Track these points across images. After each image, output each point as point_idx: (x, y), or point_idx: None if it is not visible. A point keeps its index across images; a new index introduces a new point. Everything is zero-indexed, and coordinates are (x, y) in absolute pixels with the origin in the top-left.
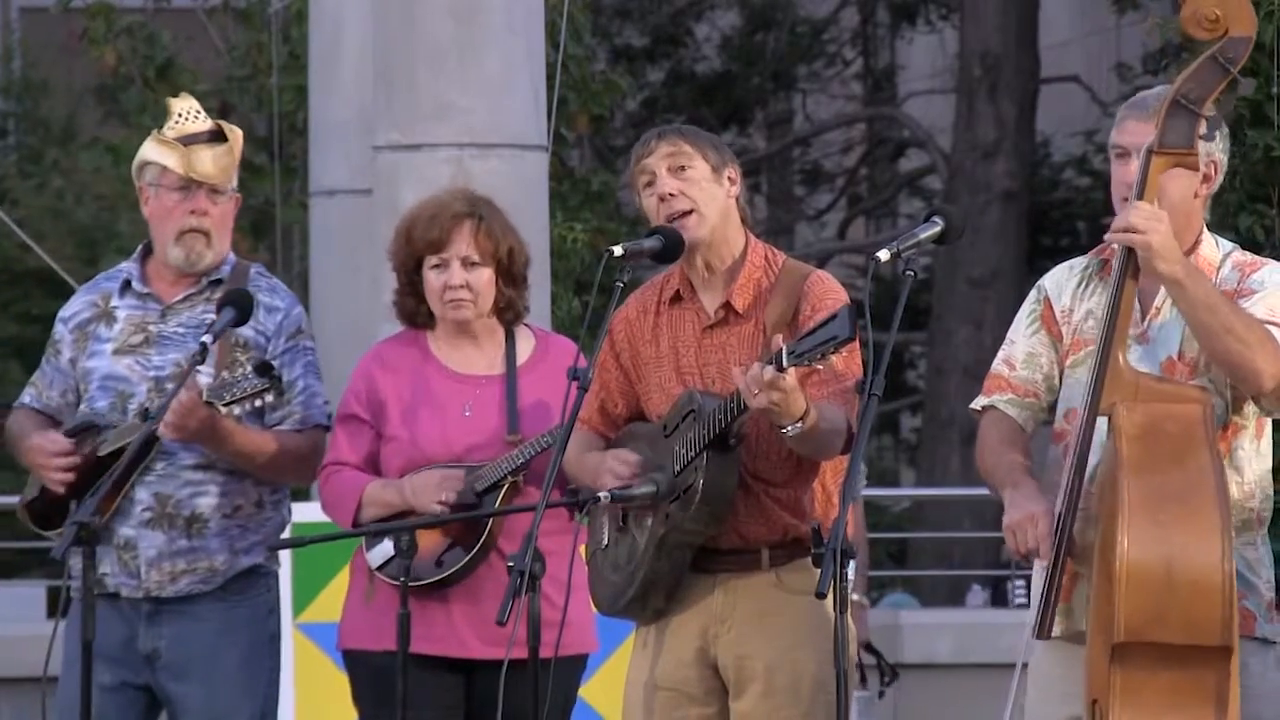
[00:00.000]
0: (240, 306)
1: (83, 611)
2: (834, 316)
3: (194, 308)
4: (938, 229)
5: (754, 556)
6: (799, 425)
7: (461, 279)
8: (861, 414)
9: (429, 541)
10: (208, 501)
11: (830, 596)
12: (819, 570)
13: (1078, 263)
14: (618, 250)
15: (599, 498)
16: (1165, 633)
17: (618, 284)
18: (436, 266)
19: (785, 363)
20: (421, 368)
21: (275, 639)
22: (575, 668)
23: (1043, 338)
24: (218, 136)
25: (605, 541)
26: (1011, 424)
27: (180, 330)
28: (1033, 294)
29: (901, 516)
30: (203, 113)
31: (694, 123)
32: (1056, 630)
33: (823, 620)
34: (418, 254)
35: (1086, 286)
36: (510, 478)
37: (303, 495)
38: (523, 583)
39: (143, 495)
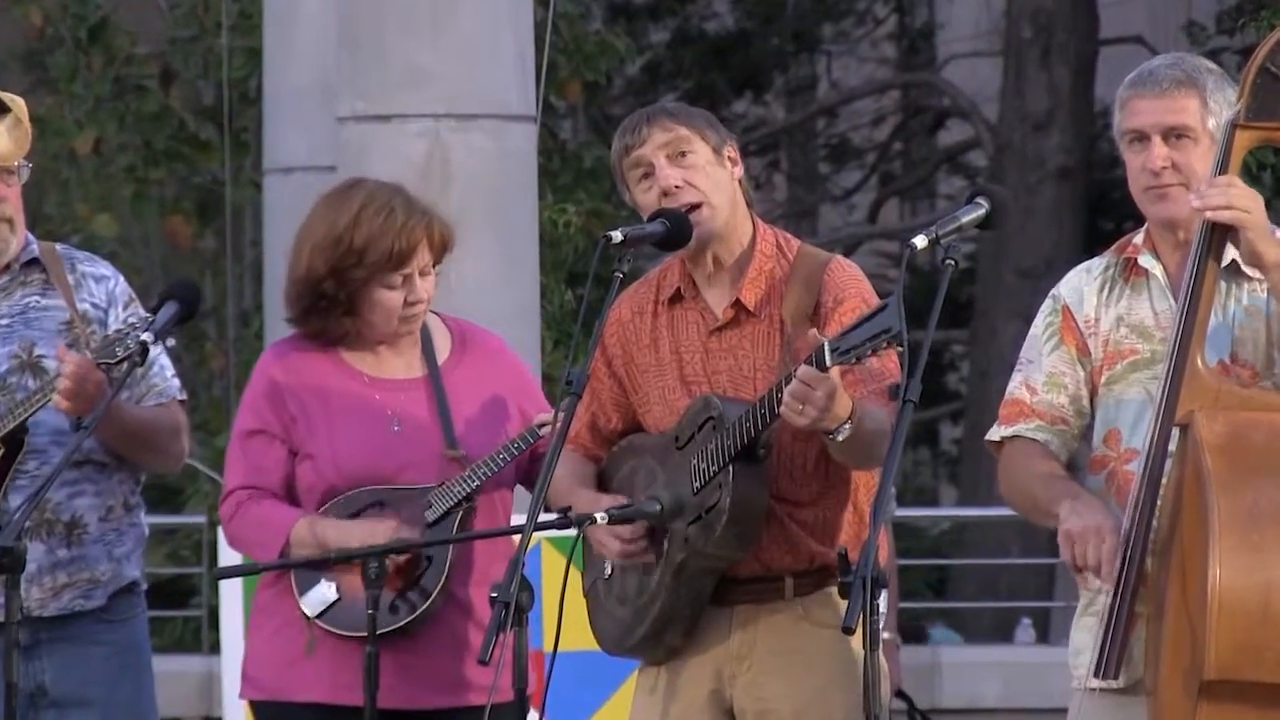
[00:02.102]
0: (186, 300)
1: (4, 648)
2: (883, 307)
3: (10, 294)
4: (982, 211)
5: (776, 586)
6: (847, 427)
7: (427, 292)
8: (895, 423)
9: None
10: (85, 502)
11: (859, 631)
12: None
13: (1095, 264)
14: (616, 236)
15: (594, 518)
16: (1262, 670)
17: (617, 275)
18: (399, 285)
19: (829, 361)
20: (331, 372)
21: (151, 663)
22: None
23: (1065, 354)
24: None
25: (609, 571)
26: (1042, 447)
27: (4, 321)
28: (1047, 304)
29: (941, 540)
30: None
31: (704, 90)
32: (1121, 681)
33: (855, 659)
34: (371, 272)
35: (1111, 291)
36: (465, 504)
37: None
38: (508, 616)
39: (16, 502)
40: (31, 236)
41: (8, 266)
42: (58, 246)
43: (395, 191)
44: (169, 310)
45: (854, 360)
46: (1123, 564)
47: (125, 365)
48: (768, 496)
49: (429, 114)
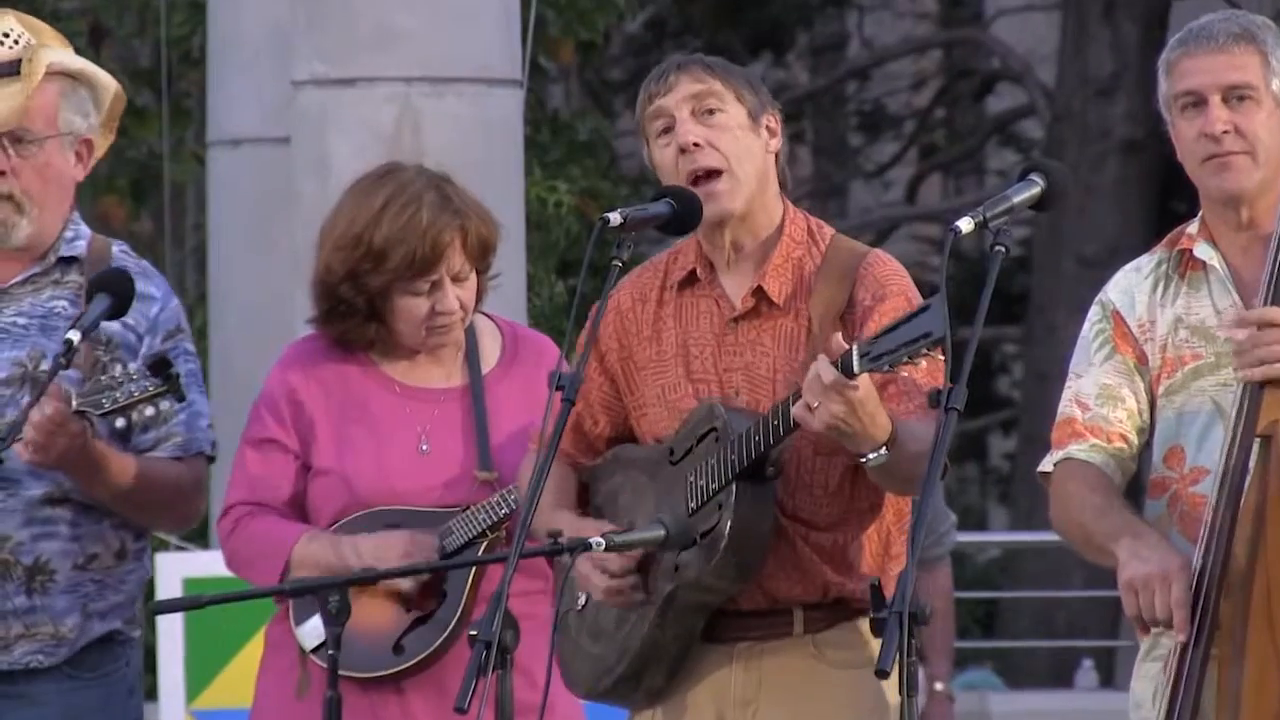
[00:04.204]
0: (118, 292)
1: None
2: (925, 308)
3: (39, 292)
4: (1037, 190)
5: (784, 619)
6: (882, 453)
7: (460, 301)
8: (936, 434)
9: (382, 617)
10: (55, 546)
11: (895, 675)
12: (877, 640)
13: (1144, 262)
14: (615, 218)
15: (590, 544)
16: None
17: (615, 262)
18: (424, 292)
19: (857, 367)
20: (359, 378)
21: None
22: None
23: (1118, 364)
24: (8, 69)
25: (583, 601)
26: (1097, 471)
27: (21, 321)
28: (1094, 311)
29: (990, 569)
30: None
31: (714, 50)
32: None
33: (875, 702)
34: (392, 277)
35: (1165, 289)
36: (490, 534)
37: (200, 538)
38: (489, 657)
39: None
40: (86, 230)
41: (43, 257)
42: (116, 247)
43: (430, 185)
44: (99, 305)
45: (886, 368)
46: (1196, 607)
47: (120, 419)
48: (773, 522)
49: (399, 77)
